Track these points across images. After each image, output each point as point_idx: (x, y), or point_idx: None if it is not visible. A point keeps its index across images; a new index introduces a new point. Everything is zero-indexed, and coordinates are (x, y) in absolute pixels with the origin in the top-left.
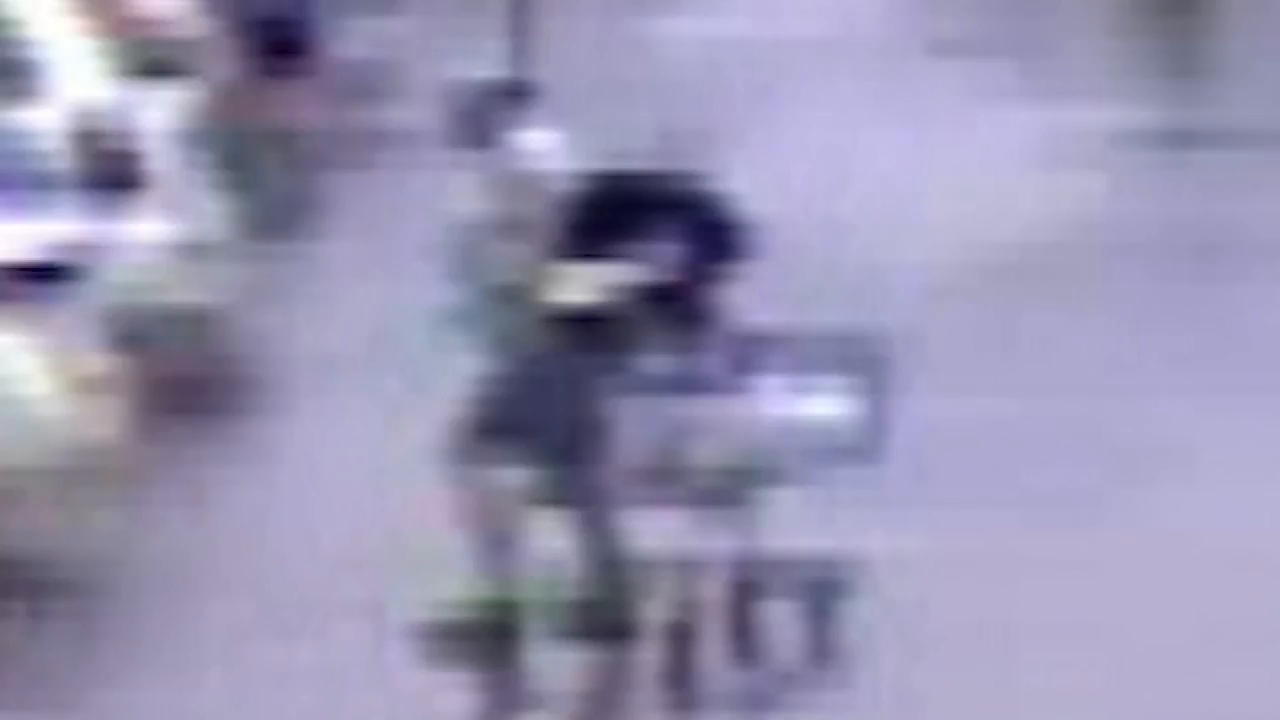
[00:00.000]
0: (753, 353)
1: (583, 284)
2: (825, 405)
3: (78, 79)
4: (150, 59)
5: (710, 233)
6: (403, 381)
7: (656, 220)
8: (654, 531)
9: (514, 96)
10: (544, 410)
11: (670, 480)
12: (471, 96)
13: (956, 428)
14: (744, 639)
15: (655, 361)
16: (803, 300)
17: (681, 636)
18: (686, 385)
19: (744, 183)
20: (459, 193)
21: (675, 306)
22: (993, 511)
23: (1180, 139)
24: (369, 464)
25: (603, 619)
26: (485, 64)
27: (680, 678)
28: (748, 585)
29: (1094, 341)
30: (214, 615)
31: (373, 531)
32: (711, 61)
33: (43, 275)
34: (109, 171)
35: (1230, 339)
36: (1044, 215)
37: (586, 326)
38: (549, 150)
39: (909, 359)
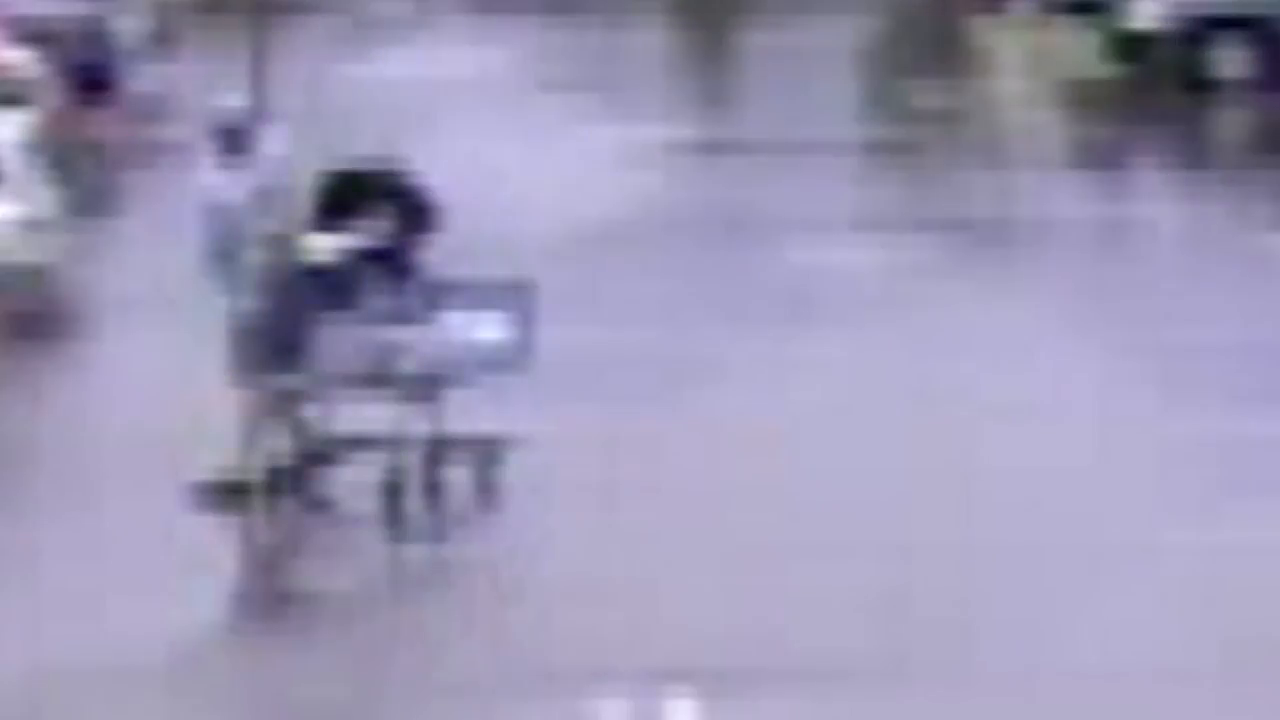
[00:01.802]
0: (441, 295)
1: (323, 247)
2: (490, 331)
3: None
4: (4, 93)
5: (412, 211)
6: (181, 315)
7: (374, 202)
8: (370, 419)
9: (258, 118)
10: (290, 334)
11: (383, 383)
12: (229, 118)
13: (566, 348)
14: (432, 494)
15: (374, 301)
16: (461, 256)
17: (391, 492)
18: (395, 317)
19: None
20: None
21: (388, 263)
22: (592, 405)
23: (712, 148)
24: (161, 374)
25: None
26: (237, 95)
27: (392, 519)
28: (436, 456)
29: (655, 288)
30: (41, 484)
31: (165, 421)
32: (392, 94)
33: None
34: None
35: (750, 287)
36: (619, 201)
37: (325, 277)
38: (281, 155)
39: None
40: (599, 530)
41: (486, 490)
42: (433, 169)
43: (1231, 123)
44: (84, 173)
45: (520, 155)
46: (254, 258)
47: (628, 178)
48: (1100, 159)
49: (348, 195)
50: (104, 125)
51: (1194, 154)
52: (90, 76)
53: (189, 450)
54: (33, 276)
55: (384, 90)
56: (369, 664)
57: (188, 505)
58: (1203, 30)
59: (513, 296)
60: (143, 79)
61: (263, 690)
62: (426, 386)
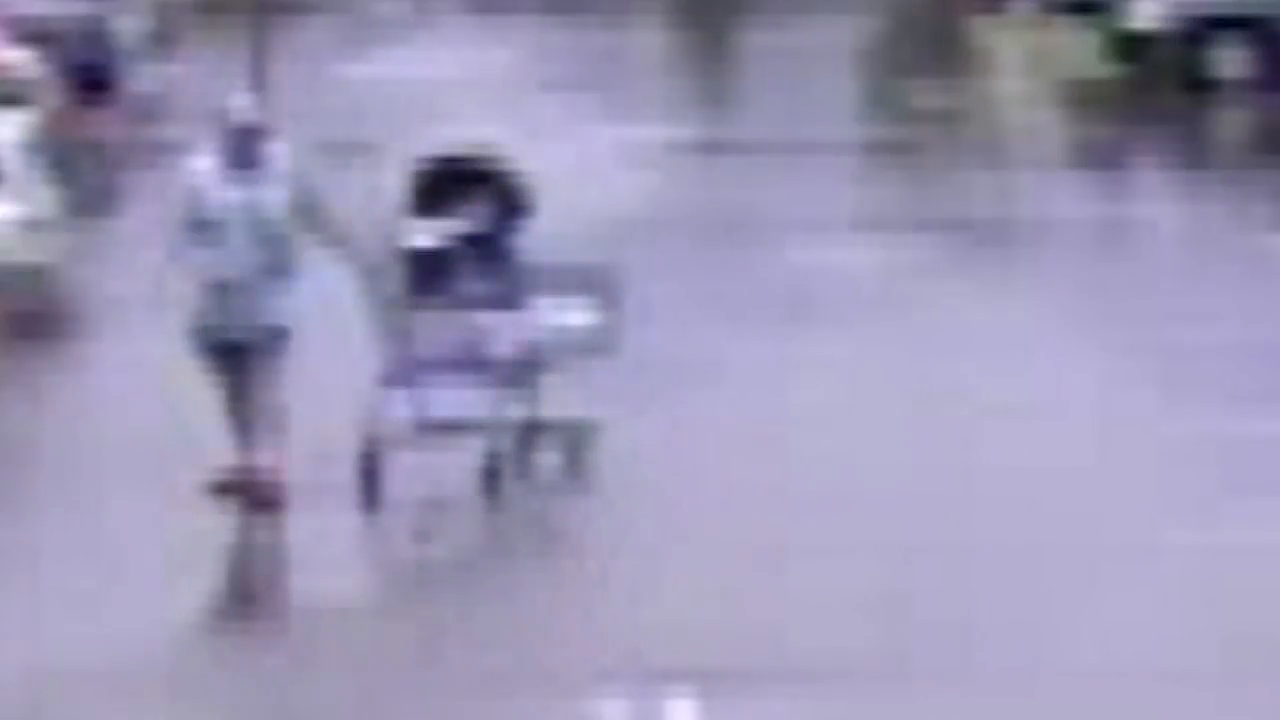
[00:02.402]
0: (532, 279)
1: (423, 232)
2: (578, 316)
3: None
4: (1, 92)
5: (507, 198)
6: (181, 315)
7: (470, 189)
8: (464, 403)
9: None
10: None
11: (478, 368)
12: (240, 122)
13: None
14: (525, 477)
15: (470, 286)
16: None
17: (491, 476)
18: (490, 302)
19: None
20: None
21: (484, 249)
22: (587, 406)
23: (712, 148)
24: (160, 374)
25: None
26: (247, 98)
27: (491, 502)
28: (530, 440)
29: (654, 288)
30: (39, 483)
31: (164, 421)
32: (392, 94)
33: None
34: None
35: (750, 286)
36: (619, 201)
37: (424, 261)
38: (290, 169)
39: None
40: (592, 529)
41: (576, 473)
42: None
43: (1231, 123)
44: (84, 173)
45: (518, 155)
46: (349, 249)
47: (627, 177)
48: (1100, 159)
49: (445, 182)
50: (104, 125)
51: (1194, 154)
52: (90, 76)
53: (188, 450)
54: (33, 276)
55: (383, 90)
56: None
57: (192, 503)
58: (1203, 30)
59: (600, 280)
60: (143, 79)
61: (250, 694)
62: (520, 371)
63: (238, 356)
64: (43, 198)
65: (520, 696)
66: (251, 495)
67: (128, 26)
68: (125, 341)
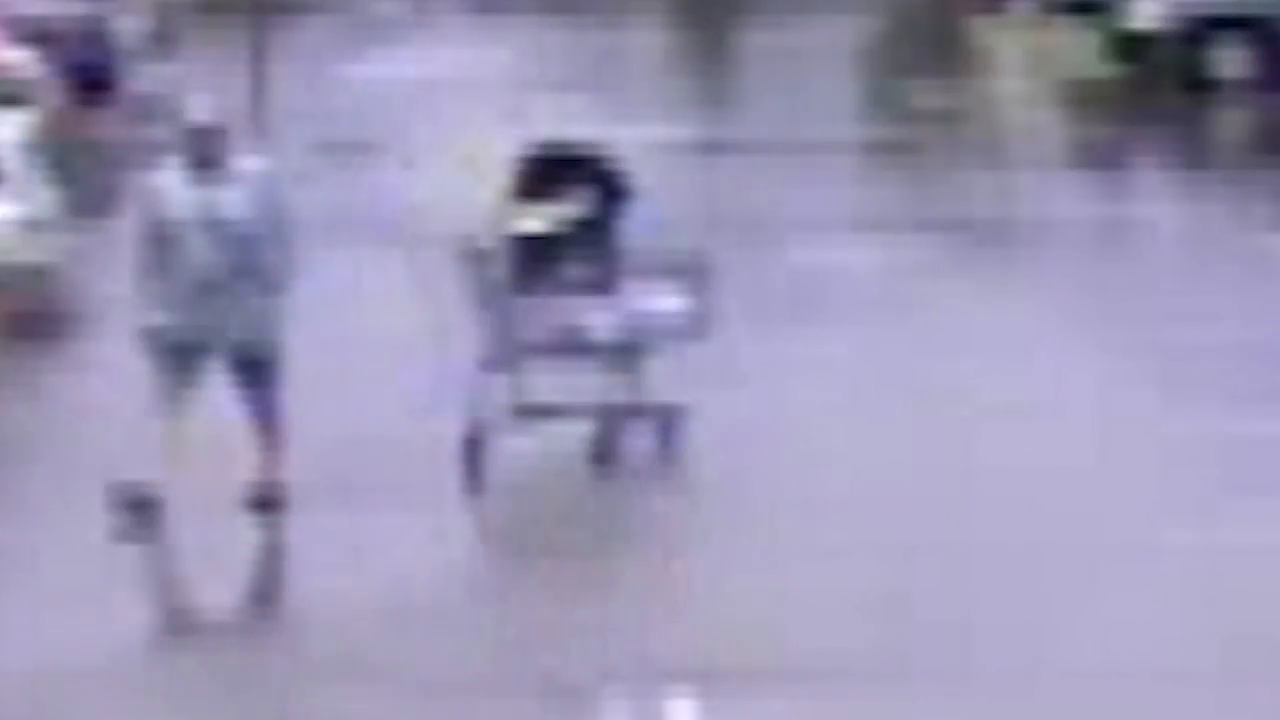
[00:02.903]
0: (628, 266)
1: (532, 220)
2: (671, 302)
3: None
4: (2, 92)
5: (608, 188)
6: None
7: (573, 179)
8: (562, 386)
9: (233, 127)
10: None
11: (578, 352)
12: (200, 124)
13: None
14: (620, 460)
15: (572, 272)
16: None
17: (600, 459)
18: (590, 288)
19: (422, 168)
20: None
21: (586, 236)
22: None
23: (711, 148)
24: None
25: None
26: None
27: (605, 462)
28: (626, 423)
29: None
30: (37, 482)
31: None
32: (389, 95)
33: None
34: None
35: (750, 286)
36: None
37: (531, 248)
38: (264, 170)
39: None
40: (602, 527)
41: (668, 457)
42: (435, 169)
43: (1231, 123)
44: (84, 173)
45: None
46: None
47: None
48: (1100, 159)
49: (549, 172)
50: (104, 125)
51: (1194, 154)
52: (90, 76)
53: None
54: (33, 276)
55: (383, 90)
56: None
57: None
58: (1203, 30)
59: (690, 267)
60: (143, 79)
61: (246, 697)
62: (622, 355)
63: (193, 359)
64: (43, 198)
65: (519, 698)
66: (254, 498)
67: (128, 26)
68: (125, 342)
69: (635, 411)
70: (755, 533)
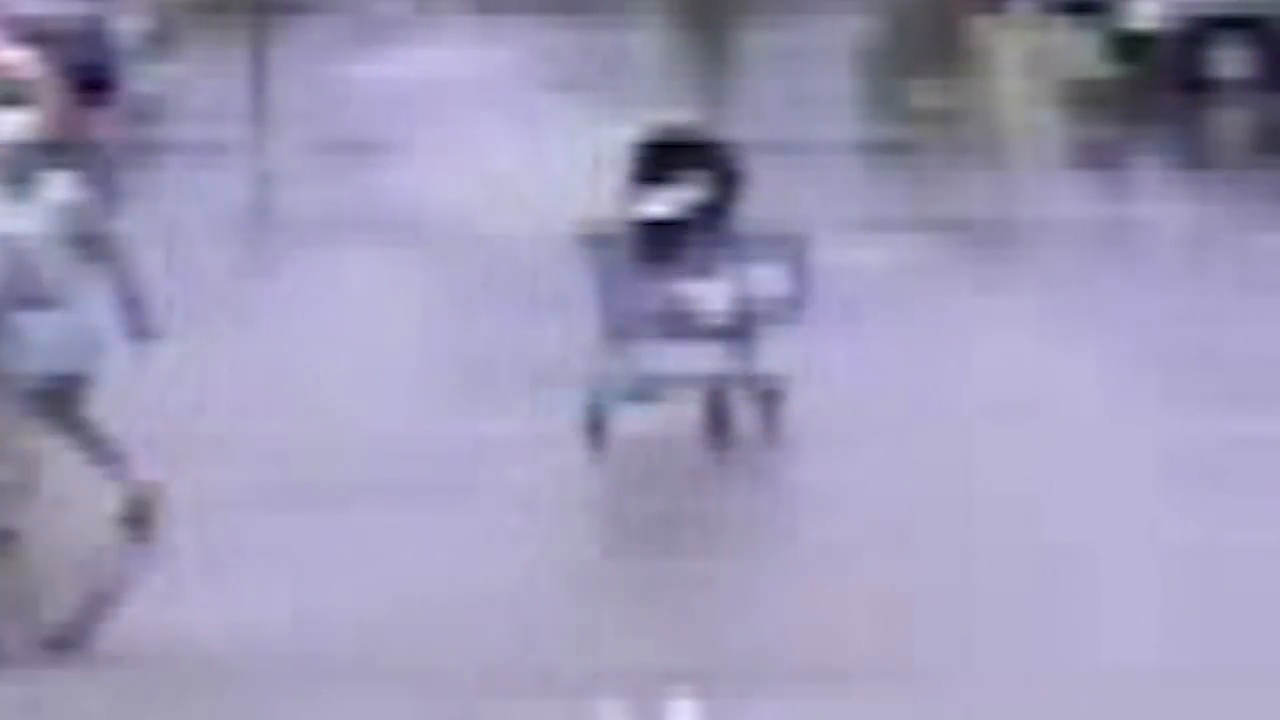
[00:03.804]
0: (739, 248)
1: (654, 205)
2: (776, 282)
3: None
4: (4, 93)
5: (722, 174)
6: (177, 310)
7: (689, 166)
8: (677, 356)
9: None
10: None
11: (693, 327)
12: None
13: (574, 343)
14: (726, 419)
15: (689, 254)
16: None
17: (718, 427)
18: (706, 269)
19: (424, 168)
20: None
21: (702, 220)
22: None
23: None
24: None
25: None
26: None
27: (720, 436)
28: (727, 389)
29: None
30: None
31: (160, 405)
32: (392, 94)
33: None
34: None
35: None
36: (611, 191)
37: (652, 233)
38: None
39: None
40: (617, 522)
41: (771, 426)
42: (435, 166)
43: (1231, 123)
44: (84, 171)
45: (520, 150)
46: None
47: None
48: (1100, 159)
49: (665, 159)
50: (104, 125)
51: (1194, 154)
52: (90, 76)
53: (188, 437)
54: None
55: (385, 90)
56: None
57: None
58: (1203, 30)
59: (791, 248)
60: (143, 79)
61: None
62: (735, 330)
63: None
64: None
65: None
66: (126, 517)
67: (128, 26)
68: (122, 341)
69: (745, 384)
70: (752, 532)
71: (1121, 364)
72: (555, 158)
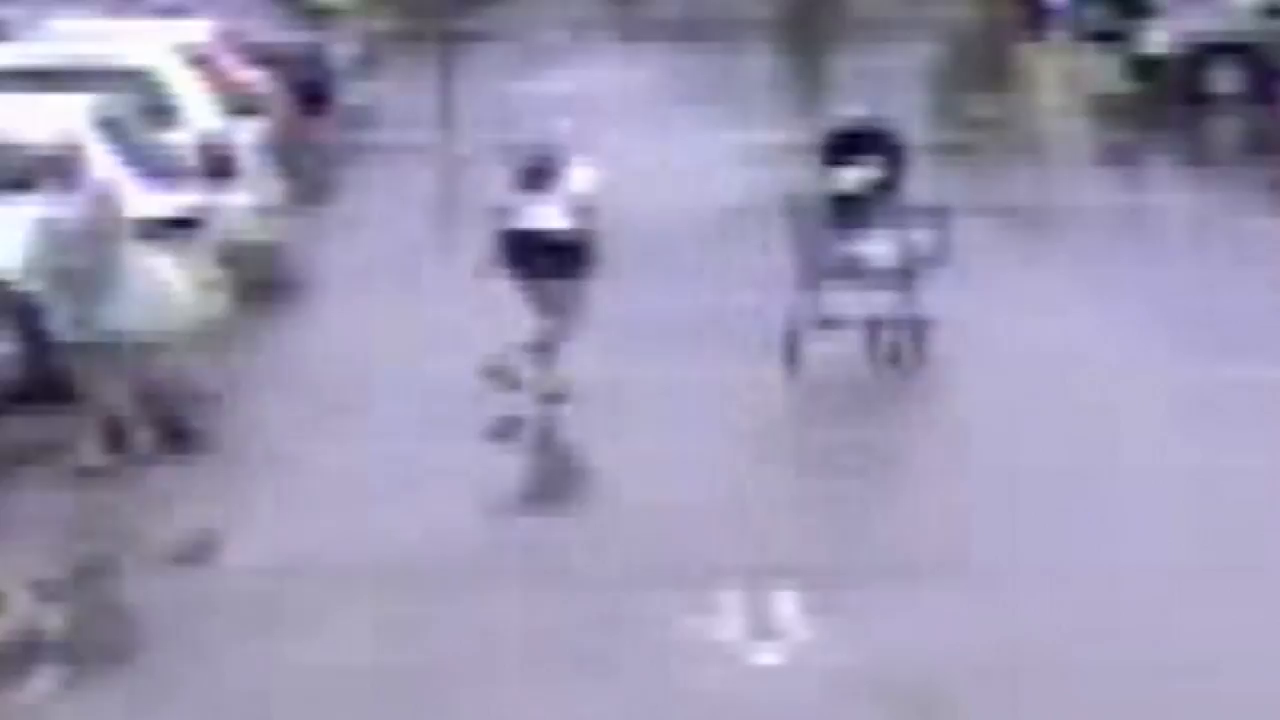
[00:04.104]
0: (902, 214)
1: (845, 180)
2: (926, 237)
3: (202, 115)
4: (241, 104)
5: (893, 155)
6: (386, 283)
7: (867, 148)
8: (852, 302)
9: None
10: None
11: (866, 273)
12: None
13: (673, 310)
14: (892, 350)
15: (870, 219)
16: (618, 228)
17: (893, 358)
18: (879, 227)
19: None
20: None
21: (879, 192)
22: (693, 355)
23: (809, 148)
24: (368, 331)
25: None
26: (423, 107)
27: (895, 363)
28: (881, 330)
29: (765, 261)
30: (271, 413)
31: (367, 361)
32: (554, 105)
33: (183, 224)
34: (218, 166)
35: None
36: (735, 190)
37: (842, 203)
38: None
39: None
40: (690, 454)
41: (920, 360)
42: (588, 161)
43: (1226, 129)
44: (306, 169)
45: (657, 153)
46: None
47: (742, 172)
48: (1120, 158)
49: (849, 142)
50: (322, 131)
51: (1196, 154)
52: (310, 91)
53: (388, 388)
54: (265, 252)
55: (547, 102)
56: None
57: (393, 432)
58: (1203, 54)
59: (937, 214)
60: (353, 93)
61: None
62: (901, 278)
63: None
64: (273, 189)
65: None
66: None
67: (341, 51)
68: (339, 304)
69: (905, 324)
70: (840, 459)
71: (1137, 322)
72: (682, 155)
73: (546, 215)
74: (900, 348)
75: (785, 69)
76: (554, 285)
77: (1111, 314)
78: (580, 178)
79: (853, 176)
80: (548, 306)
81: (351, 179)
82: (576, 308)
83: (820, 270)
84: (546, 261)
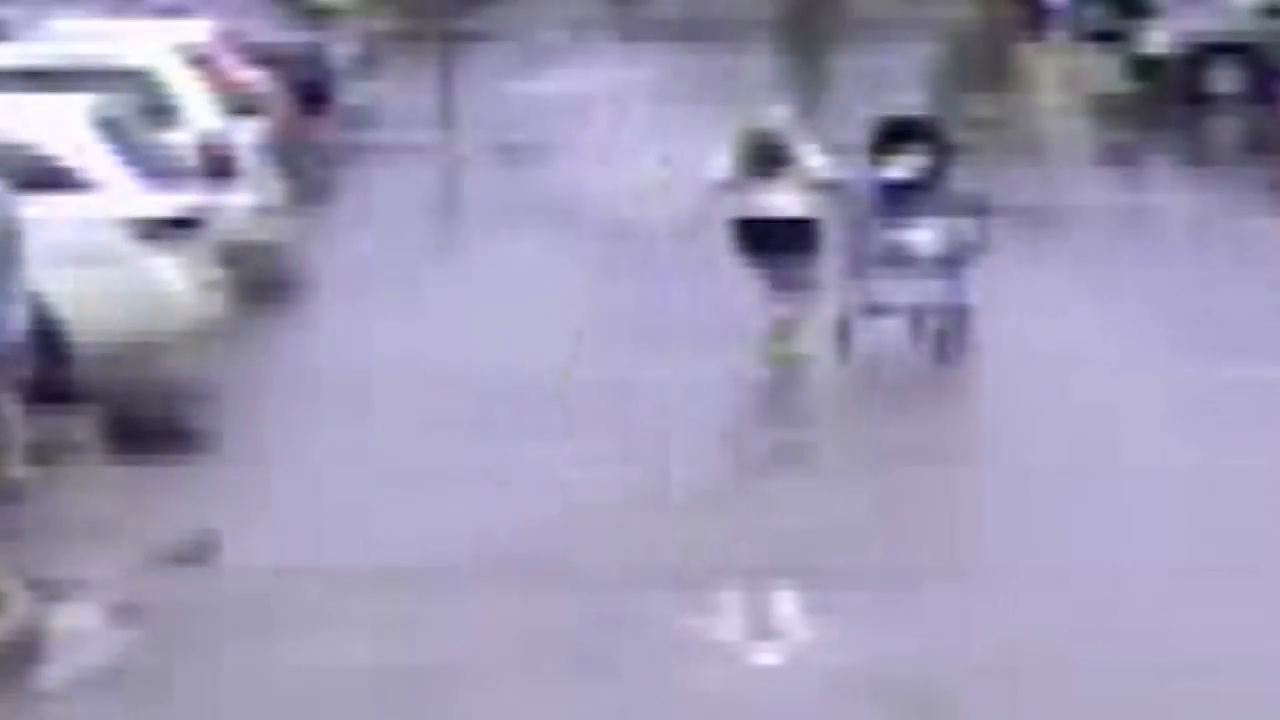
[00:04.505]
0: (944, 203)
1: (896, 168)
2: (968, 227)
3: (202, 115)
4: (241, 104)
5: (939, 146)
6: (382, 282)
7: (916, 135)
8: (901, 290)
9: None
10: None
11: (911, 262)
12: None
13: (673, 302)
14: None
15: (916, 206)
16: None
17: (941, 341)
18: (928, 217)
19: (578, 162)
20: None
21: (926, 180)
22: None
23: None
24: (363, 329)
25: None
26: (423, 107)
27: (942, 359)
28: (924, 318)
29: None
30: (271, 413)
31: (365, 359)
32: (551, 105)
33: (183, 224)
34: (218, 166)
35: None
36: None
37: (891, 190)
38: None
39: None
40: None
41: (962, 345)
42: (588, 160)
43: (1225, 128)
44: (305, 168)
45: (654, 148)
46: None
47: None
48: (1120, 157)
49: (898, 133)
50: (321, 131)
51: (1196, 153)
52: (310, 91)
53: (389, 385)
54: (265, 251)
55: (546, 102)
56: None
57: (392, 429)
58: (1202, 54)
59: (978, 202)
60: (352, 94)
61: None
62: (946, 266)
63: None
64: (273, 188)
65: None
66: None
67: (340, 51)
68: (339, 304)
69: (951, 310)
70: (835, 457)
71: (1137, 321)
72: (683, 152)
73: (783, 200)
74: (946, 335)
75: (785, 68)
76: (795, 265)
77: (1111, 314)
78: (814, 157)
79: (899, 166)
80: (790, 286)
81: (351, 179)
82: (816, 285)
83: (869, 258)
84: (785, 242)
